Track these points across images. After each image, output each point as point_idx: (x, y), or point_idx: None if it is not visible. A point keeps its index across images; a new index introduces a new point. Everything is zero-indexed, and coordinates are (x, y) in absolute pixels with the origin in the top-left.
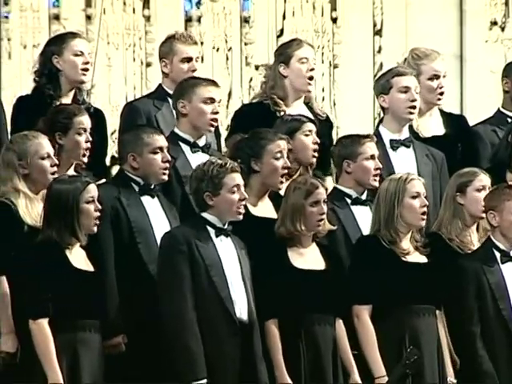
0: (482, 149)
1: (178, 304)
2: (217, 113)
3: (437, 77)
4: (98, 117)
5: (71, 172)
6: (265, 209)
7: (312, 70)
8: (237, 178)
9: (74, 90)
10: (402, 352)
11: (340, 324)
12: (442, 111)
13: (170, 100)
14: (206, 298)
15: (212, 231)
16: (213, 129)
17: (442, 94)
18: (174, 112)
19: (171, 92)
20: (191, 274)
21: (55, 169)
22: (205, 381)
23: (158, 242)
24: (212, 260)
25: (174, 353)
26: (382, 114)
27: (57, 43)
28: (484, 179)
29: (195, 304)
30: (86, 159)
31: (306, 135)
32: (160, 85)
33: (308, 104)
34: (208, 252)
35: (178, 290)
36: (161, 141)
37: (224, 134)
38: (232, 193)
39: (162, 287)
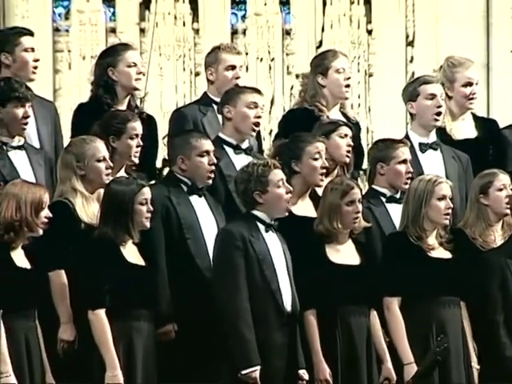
0: (510, 152)
1: (233, 295)
2: (259, 117)
3: (470, 84)
4: (150, 122)
5: (122, 172)
6: (305, 208)
7: (348, 78)
8: (280, 174)
9: (128, 97)
10: (428, 340)
11: (374, 314)
12: (474, 115)
13: (215, 106)
14: (258, 290)
15: (262, 227)
16: (255, 133)
17: (474, 99)
18: (219, 117)
19: (216, 99)
20: (245, 267)
21: (109, 171)
22: (258, 367)
23: (205, 237)
24: (264, 254)
25: (228, 341)
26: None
27: (111, 55)
28: (503, 179)
29: (248, 296)
30: (136, 160)
31: (341, 137)
32: (205, 92)
33: (341, 109)
34: (260, 247)
35: (234, 283)
36: (207, 145)
37: (266, 137)
38: (278, 187)
39: (219, 279)
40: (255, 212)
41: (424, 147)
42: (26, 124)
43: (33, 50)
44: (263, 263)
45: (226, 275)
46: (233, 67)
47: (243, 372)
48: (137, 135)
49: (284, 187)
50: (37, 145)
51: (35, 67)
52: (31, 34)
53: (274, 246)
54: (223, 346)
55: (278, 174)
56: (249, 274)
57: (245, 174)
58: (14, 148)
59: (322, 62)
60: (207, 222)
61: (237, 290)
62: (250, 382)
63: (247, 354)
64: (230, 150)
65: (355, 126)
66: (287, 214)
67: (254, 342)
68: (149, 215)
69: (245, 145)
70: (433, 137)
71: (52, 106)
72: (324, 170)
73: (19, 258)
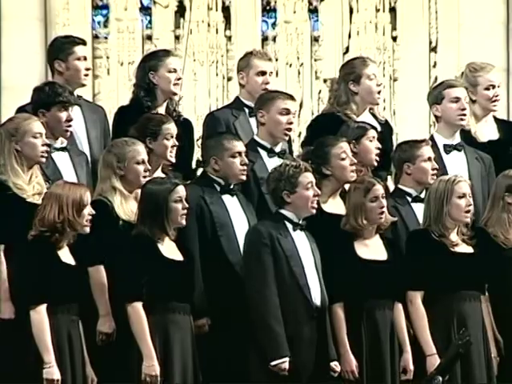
0: None
1: (262, 291)
2: (291, 123)
3: (492, 86)
4: (186, 125)
5: (159, 172)
6: (335, 206)
7: (380, 84)
8: (310, 177)
9: (166, 101)
10: (450, 333)
11: (399, 308)
12: (495, 118)
13: (247, 110)
14: (287, 285)
15: (290, 226)
16: (287, 137)
17: (497, 101)
18: (251, 120)
19: (247, 102)
20: (274, 264)
21: (147, 173)
22: (287, 359)
23: (237, 235)
24: (291, 252)
25: (259, 334)
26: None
27: (153, 60)
28: None
29: (277, 291)
30: (173, 159)
31: (370, 140)
32: (237, 96)
33: (370, 110)
34: (287, 244)
35: (263, 279)
36: (239, 146)
37: (296, 139)
38: (307, 189)
39: (249, 276)
40: (283, 211)
41: (448, 148)
42: (69, 127)
43: (85, 58)
44: (291, 260)
45: (255, 272)
46: (263, 73)
47: (273, 363)
48: (172, 136)
49: (312, 190)
50: (86, 147)
51: (86, 75)
52: (84, 43)
53: (302, 243)
54: (253, 338)
55: (307, 177)
56: (277, 271)
57: (276, 174)
58: (58, 149)
59: (353, 70)
60: (239, 219)
61: (266, 285)
62: (279, 372)
63: (277, 346)
64: (263, 153)
65: (386, 126)
66: (315, 212)
67: (283, 335)
68: (184, 212)
69: (278, 148)
70: (457, 138)
71: (101, 110)
72: (354, 167)
73: (65, 255)
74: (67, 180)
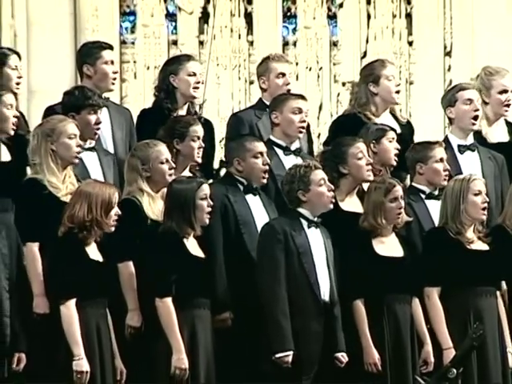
0: None
1: (272, 285)
2: (304, 121)
3: (505, 91)
4: (207, 126)
5: (187, 172)
6: (353, 204)
7: (398, 85)
8: (321, 174)
9: (187, 104)
10: (466, 327)
11: (416, 302)
12: (506, 121)
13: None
14: (297, 281)
15: (305, 223)
16: (301, 135)
17: (508, 106)
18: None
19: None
20: (286, 260)
21: (172, 171)
22: (291, 352)
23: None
24: (304, 248)
25: (266, 327)
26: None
27: (174, 64)
28: None
29: (287, 286)
30: (199, 160)
31: (390, 141)
32: (260, 98)
33: (391, 112)
34: (301, 241)
35: (274, 274)
36: (261, 147)
37: (315, 140)
38: (320, 186)
39: (261, 270)
40: (299, 209)
41: (462, 149)
42: (97, 129)
43: (112, 62)
44: (303, 256)
45: (266, 266)
46: (283, 74)
47: (277, 355)
48: (198, 137)
49: (325, 186)
50: (111, 147)
51: (114, 78)
52: (111, 48)
53: (316, 240)
54: (262, 331)
55: (318, 174)
56: (289, 267)
57: (289, 176)
58: (86, 150)
59: (372, 72)
60: (261, 218)
61: (276, 280)
62: (283, 365)
63: (282, 339)
64: (280, 152)
65: (407, 128)
66: (332, 207)
67: (288, 329)
68: (209, 209)
69: (294, 146)
70: (470, 139)
71: (127, 112)
72: (370, 167)
73: (92, 251)
74: (97, 179)
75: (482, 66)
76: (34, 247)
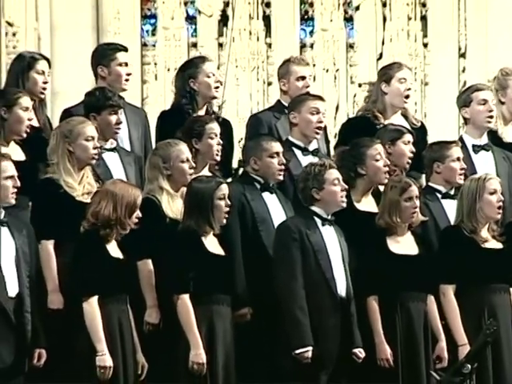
0: None
1: (289, 282)
2: (321, 122)
3: None
4: (226, 126)
5: (206, 171)
6: (368, 204)
7: (409, 89)
8: (335, 173)
9: (206, 104)
10: (481, 324)
11: (431, 300)
12: None
13: (287, 111)
14: (314, 278)
15: (319, 221)
16: (318, 136)
17: None
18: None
19: (288, 105)
20: (302, 257)
21: (192, 171)
22: (310, 348)
23: None
24: (319, 246)
25: (285, 323)
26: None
27: (191, 68)
28: None
29: (304, 283)
30: (218, 158)
31: (405, 144)
32: (279, 100)
33: (404, 115)
34: (316, 239)
35: (290, 271)
36: (277, 147)
37: (332, 140)
38: (334, 185)
39: (278, 268)
40: (313, 208)
41: (477, 148)
42: (118, 129)
43: (126, 64)
44: (318, 254)
45: (283, 264)
46: (303, 77)
47: (297, 351)
48: (216, 135)
49: (339, 185)
50: (128, 146)
51: (127, 80)
52: (126, 50)
53: (330, 238)
54: (280, 328)
55: (333, 174)
56: (305, 264)
57: (304, 174)
58: (108, 150)
59: (387, 72)
60: (278, 215)
61: (293, 277)
62: (302, 360)
63: (301, 335)
64: (298, 152)
65: (420, 130)
66: (345, 205)
67: (307, 325)
68: (227, 209)
69: (311, 147)
70: (485, 139)
71: (142, 112)
72: (387, 169)
73: (113, 248)
74: (122, 179)
75: (498, 68)
76: (49, 245)
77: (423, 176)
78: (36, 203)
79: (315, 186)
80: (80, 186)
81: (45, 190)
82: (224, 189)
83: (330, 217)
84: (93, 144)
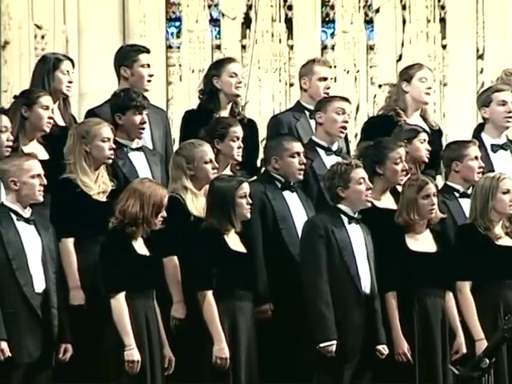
0: None
1: (314, 278)
2: (346, 122)
3: None
4: (251, 126)
5: (228, 170)
6: (387, 202)
7: (429, 88)
8: (361, 172)
9: (231, 104)
10: (497, 319)
11: (450, 296)
12: None
13: (307, 112)
14: (339, 274)
15: (345, 219)
16: (343, 135)
17: None
18: (311, 122)
19: (307, 106)
20: (327, 254)
21: (215, 171)
22: (335, 341)
23: (297, 228)
24: (345, 243)
25: (310, 318)
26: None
27: (216, 67)
28: None
29: (329, 279)
30: (239, 158)
31: (421, 142)
32: (298, 101)
33: (423, 116)
34: (341, 236)
35: (316, 267)
36: (297, 147)
37: (352, 140)
38: (359, 184)
39: (303, 264)
40: (340, 206)
41: (495, 148)
42: (143, 129)
43: (148, 65)
44: (344, 251)
45: (309, 260)
46: (325, 79)
47: (321, 345)
48: (238, 138)
49: (365, 184)
50: (150, 146)
51: (149, 81)
52: (148, 51)
53: (356, 235)
54: (305, 322)
55: (359, 173)
56: (330, 260)
57: (330, 172)
58: (133, 150)
59: (408, 71)
60: (298, 214)
61: (318, 273)
62: (327, 354)
63: (325, 329)
64: (321, 152)
65: (437, 133)
66: (370, 205)
67: (332, 320)
68: (248, 207)
69: (335, 147)
70: (503, 138)
71: (163, 112)
72: (404, 173)
73: (139, 246)
74: (150, 178)
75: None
76: (69, 243)
77: (438, 177)
78: (54, 203)
79: (341, 184)
80: (96, 184)
81: (62, 190)
82: (245, 187)
83: (356, 215)
84: (108, 145)
